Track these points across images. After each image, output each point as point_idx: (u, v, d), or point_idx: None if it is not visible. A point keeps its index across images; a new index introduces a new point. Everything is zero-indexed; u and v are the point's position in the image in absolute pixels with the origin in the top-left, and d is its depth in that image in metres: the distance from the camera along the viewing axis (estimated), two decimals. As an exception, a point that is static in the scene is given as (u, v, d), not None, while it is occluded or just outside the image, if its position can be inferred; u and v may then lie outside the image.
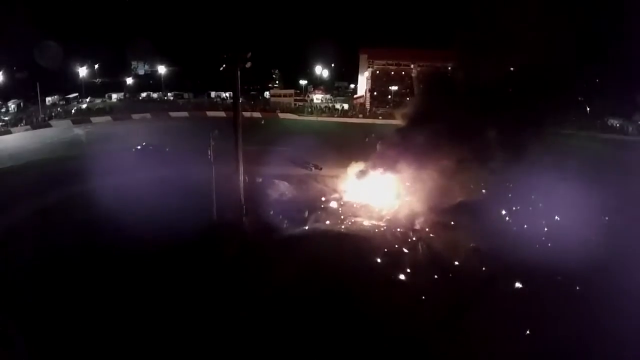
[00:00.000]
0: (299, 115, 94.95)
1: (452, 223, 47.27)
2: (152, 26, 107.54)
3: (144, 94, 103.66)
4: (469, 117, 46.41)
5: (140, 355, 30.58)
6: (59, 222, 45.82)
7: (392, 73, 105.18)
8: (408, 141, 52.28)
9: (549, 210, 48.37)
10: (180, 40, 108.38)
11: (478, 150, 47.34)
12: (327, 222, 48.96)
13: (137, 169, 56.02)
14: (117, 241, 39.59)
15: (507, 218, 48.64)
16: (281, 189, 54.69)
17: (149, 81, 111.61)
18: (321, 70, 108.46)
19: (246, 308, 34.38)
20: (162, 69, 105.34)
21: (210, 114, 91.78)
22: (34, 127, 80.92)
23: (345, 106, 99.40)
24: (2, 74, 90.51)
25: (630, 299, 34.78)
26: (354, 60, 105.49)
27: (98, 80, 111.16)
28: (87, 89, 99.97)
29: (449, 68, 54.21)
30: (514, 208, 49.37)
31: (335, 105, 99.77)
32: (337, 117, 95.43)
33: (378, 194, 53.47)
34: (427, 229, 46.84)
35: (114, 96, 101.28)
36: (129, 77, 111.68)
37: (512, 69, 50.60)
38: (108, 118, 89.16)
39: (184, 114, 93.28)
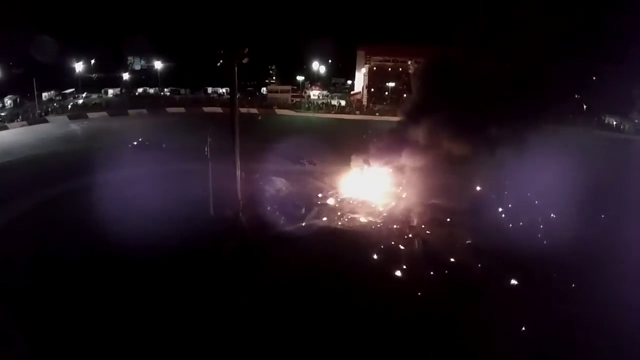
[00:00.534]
0: (296, 112, 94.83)
1: (448, 220, 47.45)
2: (148, 21, 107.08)
3: (140, 90, 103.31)
4: (466, 112, 46.50)
5: (139, 350, 30.59)
6: (56, 218, 45.81)
7: (390, 69, 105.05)
8: (405, 136, 52.39)
9: (544, 206, 48.50)
10: (176, 35, 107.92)
11: (474, 145, 47.41)
12: (324, 218, 49.05)
13: (134, 165, 55.94)
14: (114, 237, 39.45)
15: (502, 215, 48.75)
16: (278, 186, 54.73)
17: (145, 77, 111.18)
18: (318, 67, 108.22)
19: (245, 302, 34.40)
20: (158, 65, 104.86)
21: (206, 109, 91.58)
22: (31, 123, 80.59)
23: (342, 102, 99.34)
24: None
25: (624, 293, 34.89)
26: (351, 56, 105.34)
27: (94, 75, 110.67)
28: (83, 84, 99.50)
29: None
30: (509, 205, 49.48)
31: (332, 101, 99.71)
32: (334, 113, 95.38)
33: (375, 191, 53.56)
34: (423, 226, 46.97)
35: (110, 92, 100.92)
36: (125, 72, 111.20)
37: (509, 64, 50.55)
38: (104, 114, 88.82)
39: (181, 109, 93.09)
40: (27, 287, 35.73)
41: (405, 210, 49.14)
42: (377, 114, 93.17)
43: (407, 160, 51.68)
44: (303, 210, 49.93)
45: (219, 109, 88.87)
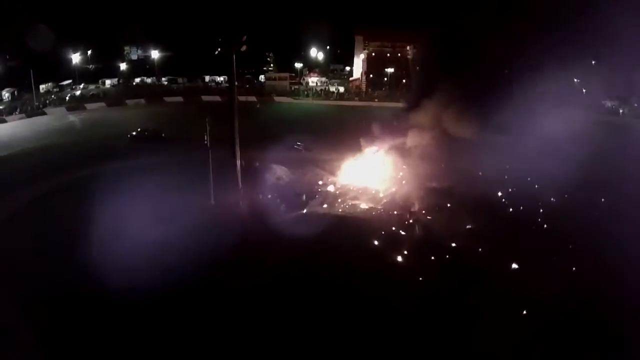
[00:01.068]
0: (294, 99, 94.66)
1: (448, 205, 47.51)
2: (144, 10, 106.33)
3: (137, 80, 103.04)
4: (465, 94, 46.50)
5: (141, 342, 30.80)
6: (58, 209, 45.82)
7: (388, 55, 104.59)
8: (408, 119, 52.41)
9: (544, 189, 48.56)
10: (173, 24, 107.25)
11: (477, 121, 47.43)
12: (325, 205, 49.13)
13: (134, 155, 56.00)
14: (114, 228, 39.55)
15: (502, 199, 48.82)
16: (278, 173, 54.77)
17: (142, 66, 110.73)
18: (316, 53, 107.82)
19: (246, 290, 34.56)
20: (155, 54, 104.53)
21: (205, 98, 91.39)
22: (29, 115, 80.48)
23: (341, 89, 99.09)
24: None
25: (626, 275, 35.06)
26: (350, 42, 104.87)
27: (91, 66, 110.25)
28: (80, 75, 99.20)
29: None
30: (509, 189, 49.54)
31: (331, 88, 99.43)
32: (333, 100, 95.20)
33: (375, 177, 53.61)
34: (423, 211, 47.06)
35: (108, 82, 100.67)
36: (122, 62, 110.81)
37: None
38: (102, 104, 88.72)
39: (179, 98, 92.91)
40: (28, 281, 35.79)
41: (405, 196, 49.19)
42: (376, 100, 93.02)
43: (409, 143, 51.62)
44: (304, 198, 50.01)
45: (217, 98, 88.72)
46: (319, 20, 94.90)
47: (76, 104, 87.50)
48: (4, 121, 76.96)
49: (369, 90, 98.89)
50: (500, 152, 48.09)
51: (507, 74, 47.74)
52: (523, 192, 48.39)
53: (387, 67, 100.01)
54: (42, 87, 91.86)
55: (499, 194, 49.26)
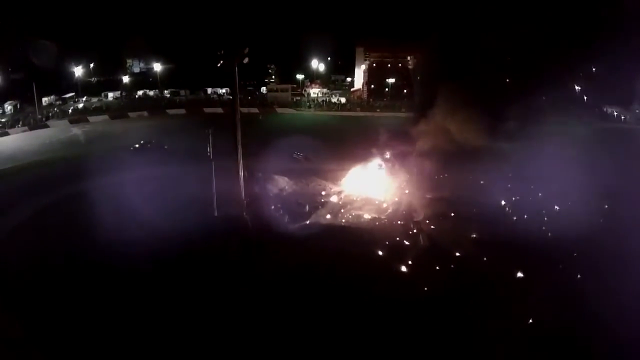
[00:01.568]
0: (296, 110, 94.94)
1: (452, 214, 47.48)
2: (146, 23, 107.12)
3: (140, 92, 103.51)
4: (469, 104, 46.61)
5: (142, 350, 30.73)
6: (61, 221, 45.80)
7: (389, 65, 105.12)
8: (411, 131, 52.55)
9: (548, 198, 48.50)
10: (175, 37, 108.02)
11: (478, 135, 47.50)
12: (328, 216, 49.09)
13: (137, 167, 55.99)
14: (120, 238, 39.57)
15: (507, 208, 48.75)
16: (281, 184, 54.77)
17: (145, 79, 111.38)
18: (317, 64, 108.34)
19: (251, 300, 34.48)
20: (157, 67, 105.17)
21: (207, 110, 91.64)
22: (32, 128, 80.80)
23: (343, 100, 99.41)
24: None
25: (630, 285, 34.84)
26: (350, 53, 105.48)
27: (94, 79, 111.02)
28: (83, 88, 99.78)
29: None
30: (513, 198, 49.50)
31: (332, 99, 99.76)
32: (335, 110, 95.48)
33: (378, 187, 53.61)
34: (427, 221, 47.01)
35: (110, 95, 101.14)
36: (124, 75, 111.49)
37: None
38: (105, 117, 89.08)
39: (181, 111, 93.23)
40: (34, 289, 35.80)
41: (409, 206, 49.16)
42: (377, 110, 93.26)
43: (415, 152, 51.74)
44: (307, 208, 49.99)
45: (219, 110, 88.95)
46: (320, 31, 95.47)
47: (79, 117, 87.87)
48: (6, 134, 77.26)
49: (370, 100, 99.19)
50: (504, 160, 48.10)
51: (512, 81, 47.77)
52: (527, 200, 48.36)
53: (388, 78, 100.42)
54: (45, 100, 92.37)
55: (503, 202, 49.19)
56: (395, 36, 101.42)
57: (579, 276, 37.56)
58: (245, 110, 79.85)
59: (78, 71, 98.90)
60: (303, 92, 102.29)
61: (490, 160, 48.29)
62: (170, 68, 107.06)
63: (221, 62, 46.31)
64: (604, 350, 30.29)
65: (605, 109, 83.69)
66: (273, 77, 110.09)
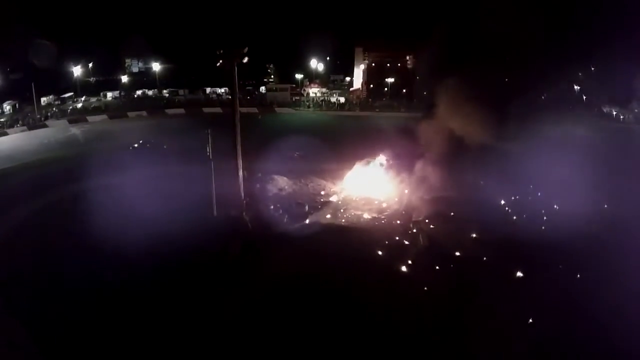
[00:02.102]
0: (295, 110, 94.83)
1: (452, 214, 47.45)
2: (145, 23, 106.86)
3: (139, 92, 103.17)
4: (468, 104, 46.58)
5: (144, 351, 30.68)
6: (60, 222, 45.83)
7: (388, 65, 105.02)
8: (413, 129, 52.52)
9: (548, 198, 48.50)
10: (174, 36, 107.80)
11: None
12: (328, 215, 49.04)
13: (136, 167, 55.90)
14: (118, 240, 39.48)
15: (506, 207, 48.73)
16: (280, 184, 54.72)
17: (143, 79, 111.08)
18: (316, 64, 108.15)
19: (251, 301, 34.42)
20: (156, 66, 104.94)
21: (206, 110, 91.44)
22: (30, 128, 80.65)
23: (342, 99, 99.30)
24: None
25: (629, 285, 34.83)
26: (349, 53, 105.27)
27: (92, 79, 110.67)
28: (81, 88, 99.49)
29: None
30: (512, 197, 49.48)
31: (331, 98, 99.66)
32: (334, 110, 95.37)
33: (378, 187, 53.56)
34: (427, 220, 46.98)
35: (109, 94, 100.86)
36: (123, 75, 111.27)
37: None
38: (104, 117, 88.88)
39: (180, 110, 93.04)
40: (34, 290, 35.70)
41: (408, 206, 49.13)
42: (376, 109, 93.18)
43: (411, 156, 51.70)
44: (306, 208, 49.96)
45: (218, 110, 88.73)
46: (319, 31, 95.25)
47: (78, 117, 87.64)
48: (5, 134, 77.11)
49: (369, 100, 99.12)
50: (505, 159, 48.05)
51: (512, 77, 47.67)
52: (527, 200, 48.37)
53: (387, 77, 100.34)
54: (44, 100, 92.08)
55: (502, 202, 49.18)
56: (394, 36, 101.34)
57: (578, 276, 37.59)
58: (244, 110, 79.76)
59: (77, 71, 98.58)
60: (302, 91, 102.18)
61: (491, 159, 48.18)
62: (169, 68, 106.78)
63: (220, 61, 46.29)
64: (601, 351, 30.36)
65: (604, 109, 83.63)
66: (272, 76, 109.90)
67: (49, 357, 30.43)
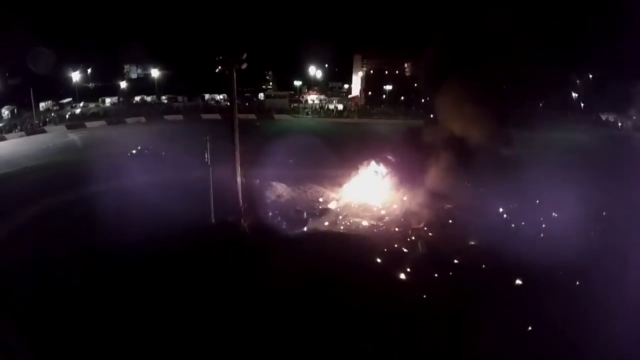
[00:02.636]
0: (294, 117, 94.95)
1: (450, 221, 47.38)
2: (144, 29, 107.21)
3: (137, 98, 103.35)
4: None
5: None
6: (57, 228, 45.52)
7: (386, 73, 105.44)
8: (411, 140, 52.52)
9: (546, 205, 48.47)
10: (173, 43, 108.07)
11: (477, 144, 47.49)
12: (326, 222, 48.94)
13: (134, 173, 55.83)
14: (116, 247, 39.37)
15: (504, 215, 48.70)
16: (279, 191, 54.62)
17: (142, 85, 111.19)
18: (315, 71, 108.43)
19: (249, 307, 34.29)
20: (155, 73, 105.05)
21: (205, 116, 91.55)
22: (29, 133, 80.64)
23: (340, 106, 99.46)
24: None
25: (627, 292, 34.74)
26: (348, 60, 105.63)
27: (91, 84, 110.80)
28: (80, 93, 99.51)
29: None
30: (511, 205, 49.45)
31: (330, 105, 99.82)
32: (332, 117, 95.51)
33: (376, 194, 53.50)
34: (425, 228, 46.91)
35: (108, 100, 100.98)
36: (122, 81, 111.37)
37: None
38: (102, 122, 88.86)
39: (179, 117, 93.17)
40: (30, 296, 35.50)
41: (407, 213, 49.07)
42: (374, 117, 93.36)
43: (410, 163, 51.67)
44: (305, 215, 49.86)
45: (217, 116, 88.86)
46: (317, 38, 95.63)
47: (76, 122, 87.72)
48: (3, 139, 77.08)
49: (367, 107, 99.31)
50: (504, 167, 48.01)
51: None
52: (525, 207, 48.36)
53: (385, 85, 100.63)
54: (42, 105, 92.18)
55: (501, 209, 49.15)
56: (393, 43, 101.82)
57: (577, 283, 37.52)
58: (242, 116, 79.87)
59: (76, 77, 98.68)
60: (301, 98, 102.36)
61: (491, 167, 48.16)
62: (168, 74, 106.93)
63: (219, 67, 46.31)
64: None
65: (602, 116, 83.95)
66: (271, 83, 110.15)
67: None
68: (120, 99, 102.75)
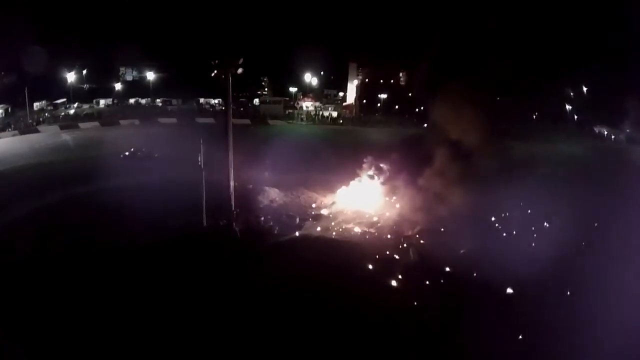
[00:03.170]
0: (288, 123, 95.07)
1: (442, 229, 47.46)
2: (140, 32, 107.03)
3: (132, 100, 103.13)
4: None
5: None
6: (46, 227, 45.10)
7: (381, 81, 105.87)
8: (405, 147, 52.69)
9: (538, 215, 48.71)
10: (169, 46, 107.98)
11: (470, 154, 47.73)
12: (318, 228, 48.92)
13: (126, 175, 55.61)
14: (106, 246, 39.16)
15: (496, 224, 48.86)
16: (272, 196, 54.63)
17: (137, 87, 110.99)
18: (310, 78, 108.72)
19: (240, 311, 34.14)
20: (150, 75, 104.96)
21: (199, 120, 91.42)
22: (22, 133, 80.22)
23: (334, 114, 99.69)
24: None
25: (619, 301, 34.84)
26: (343, 68, 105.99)
27: (86, 85, 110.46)
28: (74, 94, 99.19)
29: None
30: (503, 214, 49.64)
31: (324, 112, 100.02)
32: (327, 124, 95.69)
33: (369, 200, 53.56)
34: (417, 235, 46.98)
35: (102, 102, 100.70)
36: (117, 83, 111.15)
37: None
38: (96, 123, 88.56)
39: (173, 120, 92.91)
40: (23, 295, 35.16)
41: (399, 220, 49.14)
42: (369, 125, 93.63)
43: (403, 170, 51.80)
44: (297, 220, 49.82)
45: (211, 120, 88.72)
46: (313, 46, 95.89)
47: (70, 123, 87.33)
48: (-4, 137, 76.61)
49: (362, 115, 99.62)
50: (496, 176, 48.24)
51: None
52: (517, 217, 48.57)
53: (380, 93, 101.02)
54: (36, 105, 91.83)
55: (492, 218, 49.32)
56: (388, 53, 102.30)
57: (568, 293, 37.62)
58: (237, 121, 79.84)
59: (70, 77, 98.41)
60: (296, 105, 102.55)
61: (483, 175, 48.39)
62: (163, 77, 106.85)
63: (215, 71, 46.31)
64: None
65: (595, 128, 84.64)
66: (266, 89, 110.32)
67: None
68: (115, 101, 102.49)
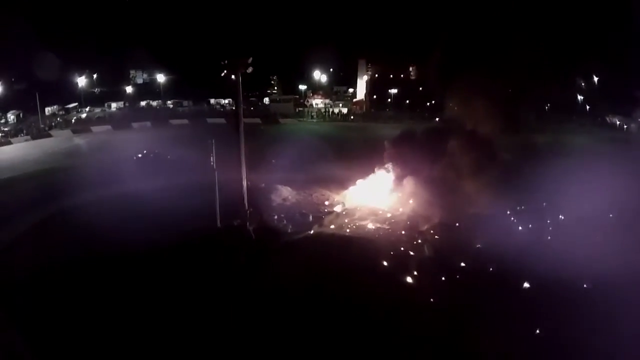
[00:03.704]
0: (299, 121, 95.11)
1: (457, 224, 47.14)
2: (150, 34, 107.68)
3: (143, 103, 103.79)
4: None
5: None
6: (62, 232, 45.47)
7: (391, 77, 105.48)
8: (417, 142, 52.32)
9: (554, 209, 48.16)
10: (179, 48, 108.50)
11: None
12: (332, 226, 48.81)
13: (140, 178, 55.85)
14: (123, 251, 39.32)
15: (512, 218, 48.39)
16: (284, 194, 54.55)
17: (148, 90, 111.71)
18: (320, 76, 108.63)
19: (256, 310, 34.15)
20: (161, 77, 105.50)
21: (210, 120, 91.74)
22: (34, 138, 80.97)
23: (345, 110, 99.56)
24: (1, 84, 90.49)
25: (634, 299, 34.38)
26: (353, 64, 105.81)
27: (97, 89, 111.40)
28: (86, 98, 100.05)
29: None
30: (518, 208, 49.14)
31: (334, 109, 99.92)
32: (338, 121, 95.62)
33: (382, 197, 53.35)
34: (432, 231, 46.68)
35: (114, 105, 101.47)
36: (128, 86, 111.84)
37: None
38: (108, 127, 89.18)
39: (184, 121, 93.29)
40: (34, 300, 35.42)
41: (413, 216, 48.88)
42: (379, 120, 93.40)
43: (417, 165, 51.50)
44: (310, 218, 49.77)
45: (222, 120, 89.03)
46: (322, 43, 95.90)
47: (82, 127, 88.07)
48: (9, 143, 77.40)
49: (372, 111, 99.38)
50: (512, 169, 47.77)
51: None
52: (532, 210, 48.07)
53: (390, 89, 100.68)
54: (48, 110, 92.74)
55: (508, 212, 48.84)
56: (397, 48, 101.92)
57: (585, 286, 37.19)
58: (248, 121, 79.89)
59: (81, 82, 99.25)
60: (306, 102, 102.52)
61: (499, 169, 47.94)
62: (173, 79, 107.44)
63: (225, 71, 46.32)
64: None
65: (607, 118, 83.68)
66: (275, 88, 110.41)
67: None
68: (126, 104, 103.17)
